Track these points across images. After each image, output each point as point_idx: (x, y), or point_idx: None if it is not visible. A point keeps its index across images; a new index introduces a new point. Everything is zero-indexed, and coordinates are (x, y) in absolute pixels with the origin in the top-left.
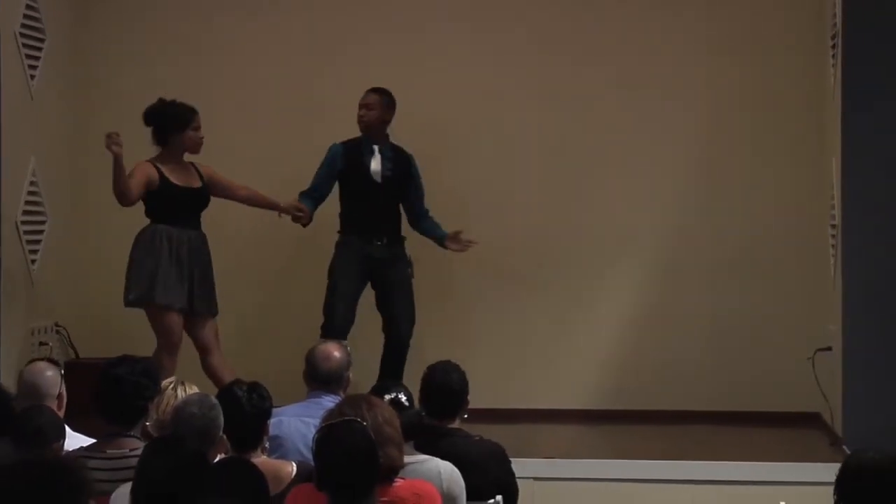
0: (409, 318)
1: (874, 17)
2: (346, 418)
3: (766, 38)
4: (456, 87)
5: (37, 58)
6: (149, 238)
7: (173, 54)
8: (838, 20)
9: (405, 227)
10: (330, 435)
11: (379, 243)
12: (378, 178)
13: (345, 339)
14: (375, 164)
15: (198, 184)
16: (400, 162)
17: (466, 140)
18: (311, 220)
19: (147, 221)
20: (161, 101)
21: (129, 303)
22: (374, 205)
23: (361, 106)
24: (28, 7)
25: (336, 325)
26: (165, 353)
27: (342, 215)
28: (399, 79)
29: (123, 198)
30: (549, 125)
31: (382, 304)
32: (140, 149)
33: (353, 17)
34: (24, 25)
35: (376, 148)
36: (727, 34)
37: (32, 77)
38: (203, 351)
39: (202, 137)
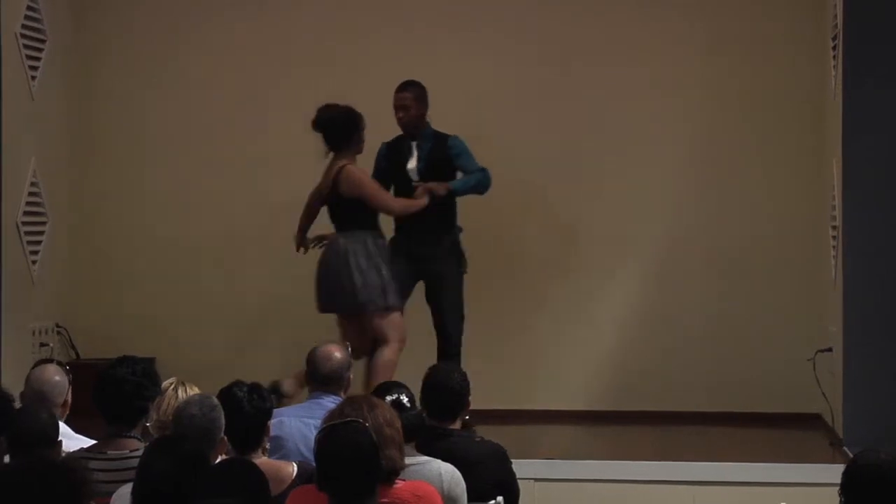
0: (453, 313)
1: (875, 17)
2: (349, 419)
3: (767, 38)
4: (451, 88)
5: (38, 59)
6: (383, 244)
7: (173, 55)
8: (839, 20)
9: (460, 219)
10: (332, 435)
11: (423, 240)
12: (415, 176)
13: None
14: (411, 163)
15: None
16: (438, 151)
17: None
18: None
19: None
20: (329, 107)
21: (389, 308)
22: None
23: (397, 108)
24: (29, 8)
25: None
26: (398, 351)
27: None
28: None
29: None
30: (548, 126)
31: (429, 300)
32: (136, 149)
33: (360, 13)
34: (24, 27)
35: (413, 145)
36: (727, 35)
37: (33, 78)
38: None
39: None
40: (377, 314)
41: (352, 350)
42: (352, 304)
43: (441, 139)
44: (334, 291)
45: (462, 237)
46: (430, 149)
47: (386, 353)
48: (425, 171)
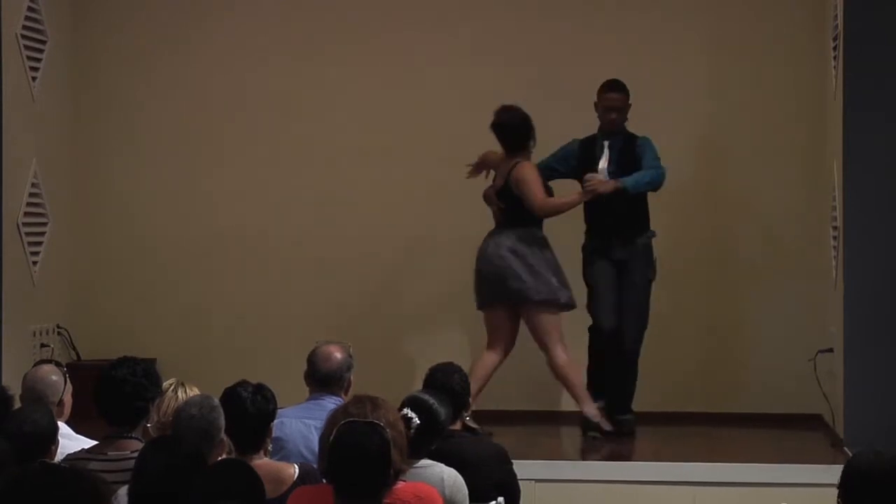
0: (636, 324)
1: (875, 18)
2: (369, 420)
3: (767, 39)
4: (451, 89)
5: (38, 60)
6: (546, 242)
7: (173, 56)
8: (839, 22)
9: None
10: (349, 432)
11: (615, 243)
12: (604, 176)
13: (613, 338)
14: (602, 163)
15: None
16: (628, 153)
17: (465, 143)
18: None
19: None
20: (508, 109)
21: (562, 306)
22: (605, 204)
23: (609, 109)
24: (29, 9)
25: (603, 327)
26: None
27: (585, 217)
28: (414, 78)
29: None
30: (549, 126)
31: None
32: (137, 149)
33: (350, 14)
34: (25, 27)
35: (605, 144)
36: (727, 35)
37: (34, 79)
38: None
39: None
40: (544, 311)
41: (496, 347)
42: (517, 292)
43: (631, 140)
44: (502, 280)
45: (655, 242)
46: (620, 149)
47: (561, 355)
48: (616, 173)
